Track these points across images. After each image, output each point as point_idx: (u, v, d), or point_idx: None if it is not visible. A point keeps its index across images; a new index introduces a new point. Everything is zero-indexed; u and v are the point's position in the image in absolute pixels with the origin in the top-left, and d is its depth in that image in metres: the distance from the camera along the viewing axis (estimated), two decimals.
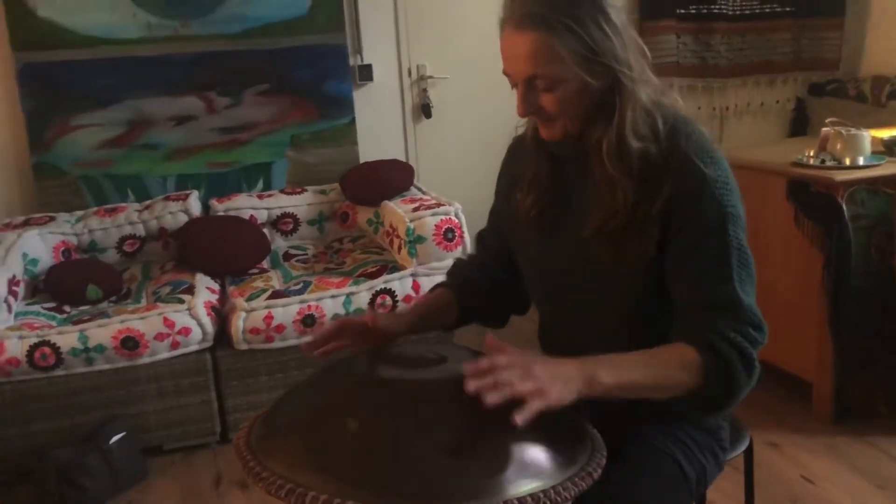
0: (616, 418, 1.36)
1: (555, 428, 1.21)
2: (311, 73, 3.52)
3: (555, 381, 1.09)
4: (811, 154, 2.64)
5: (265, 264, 3.16)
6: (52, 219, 3.17)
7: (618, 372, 1.15)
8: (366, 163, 3.50)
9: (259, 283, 2.90)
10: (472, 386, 1.07)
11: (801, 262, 2.66)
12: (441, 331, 1.55)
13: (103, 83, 3.30)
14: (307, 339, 2.69)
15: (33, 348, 2.51)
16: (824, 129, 2.70)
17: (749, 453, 1.70)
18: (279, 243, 3.37)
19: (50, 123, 3.26)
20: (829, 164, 2.58)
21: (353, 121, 3.60)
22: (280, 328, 2.69)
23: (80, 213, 3.24)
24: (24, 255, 2.91)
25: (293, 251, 3.29)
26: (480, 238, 1.62)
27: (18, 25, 3.17)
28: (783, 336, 2.78)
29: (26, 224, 3.10)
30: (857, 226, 2.50)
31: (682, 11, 4.04)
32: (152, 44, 3.32)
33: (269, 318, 2.68)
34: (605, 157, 1.25)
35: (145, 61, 3.32)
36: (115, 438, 2.49)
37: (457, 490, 1.06)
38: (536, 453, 1.14)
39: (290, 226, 3.39)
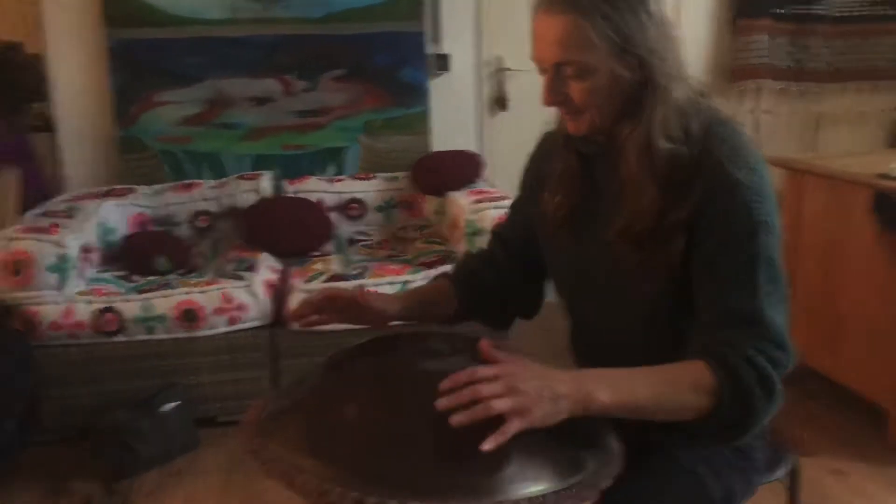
0: (643, 430, 1.30)
1: (565, 431, 1.16)
2: (389, 60, 3.53)
3: (541, 400, 1.00)
4: None
5: (329, 248, 3.18)
6: (131, 191, 3.29)
7: (619, 390, 1.06)
8: (436, 152, 3.49)
9: (319, 266, 2.93)
10: (442, 403, 0.98)
11: (881, 281, 2.49)
12: (438, 323, 1.48)
13: (187, 62, 3.39)
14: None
15: (99, 313, 2.60)
16: None
17: (794, 477, 1.60)
18: (345, 228, 3.39)
19: (136, 99, 3.38)
20: None
21: (427, 110, 3.59)
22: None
23: (158, 186, 3.36)
24: (102, 225, 3.03)
25: (358, 237, 3.31)
26: (497, 232, 1.56)
27: (111, 3, 3.29)
28: (859, 358, 2.62)
29: (107, 195, 3.23)
30: None
31: (780, 11, 3.85)
32: (236, 25, 3.40)
33: None
34: (630, 156, 1.18)
35: (228, 42, 3.40)
36: (169, 406, 2.56)
37: (450, 486, 1.02)
38: (540, 456, 1.10)
39: (358, 211, 3.41)
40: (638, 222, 1.19)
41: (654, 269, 1.20)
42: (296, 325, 1.36)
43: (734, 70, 3.88)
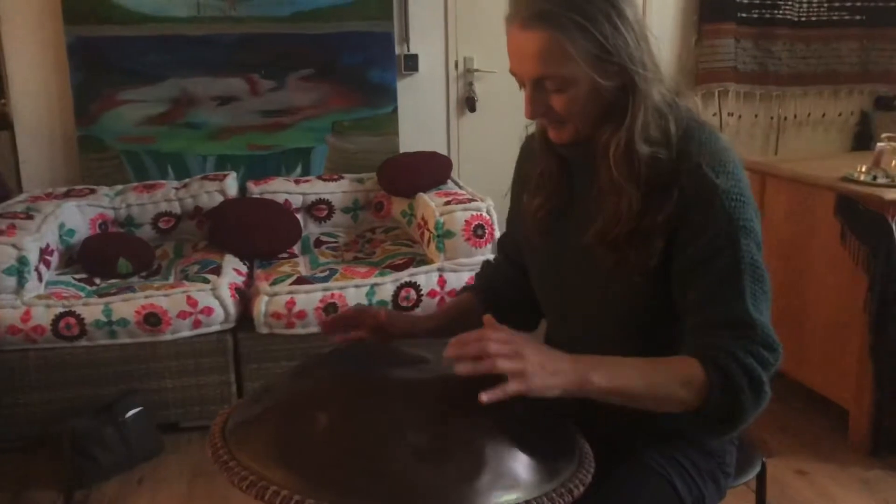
0: (612, 434, 1.30)
1: (539, 438, 1.16)
2: (357, 61, 3.50)
3: (542, 369, 1.03)
4: (863, 170, 2.50)
5: (295, 249, 3.15)
6: (92, 191, 3.22)
7: (614, 376, 1.09)
8: (404, 153, 3.47)
9: (286, 268, 2.89)
10: (451, 352, 1.03)
11: (844, 283, 2.53)
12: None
13: (150, 60, 3.33)
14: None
15: (59, 318, 2.54)
16: (879, 143, 2.56)
17: (761, 479, 1.61)
18: (312, 229, 3.36)
19: (96, 97, 3.31)
20: (881, 181, 2.44)
21: (395, 110, 3.57)
22: (301, 314, 2.68)
23: (119, 187, 3.29)
24: (62, 226, 2.96)
25: (325, 238, 3.28)
26: (501, 243, 1.57)
27: None
28: (821, 359, 2.66)
29: (67, 195, 3.15)
30: None
31: (744, 15, 3.90)
32: (200, 23, 3.34)
33: (290, 303, 2.67)
34: (612, 161, 1.18)
35: (193, 40, 3.35)
36: (131, 412, 2.51)
37: (425, 495, 1.01)
38: (515, 463, 1.09)
39: (325, 212, 3.38)
40: (616, 225, 1.19)
41: (628, 271, 1.20)
42: (329, 337, 1.35)
43: (699, 73, 3.92)
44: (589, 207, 1.25)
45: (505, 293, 1.49)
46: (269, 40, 3.41)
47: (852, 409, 2.56)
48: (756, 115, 4.07)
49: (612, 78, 1.16)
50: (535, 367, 1.03)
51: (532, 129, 1.42)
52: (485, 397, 0.99)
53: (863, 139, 4.18)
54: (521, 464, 1.09)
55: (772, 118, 4.10)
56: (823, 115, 4.17)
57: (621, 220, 1.18)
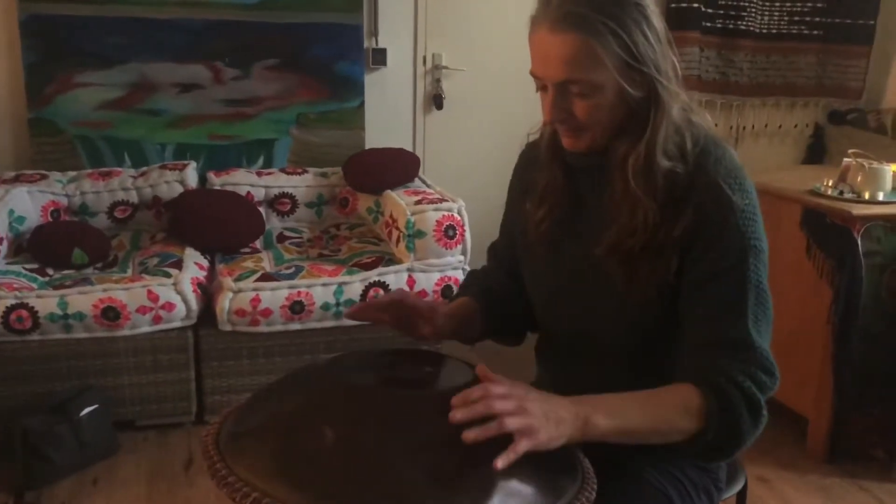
0: (609, 451, 1.28)
1: (543, 457, 1.13)
2: (324, 52, 3.43)
3: (547, 421, 1.00)
4: (829, 184, 2.56)
5: (258, 244, 3.07)
6: (43, 177, 3.08)
7: (615, 416, 1.06)
8: (371, 149, 3.42)
9: (249, 264, 2.81)
10: (458, 415, 0.98)
11: (808, 295, 2.58)
12: (465, 342, 1.43)
13: (109, 42, 3.20)
14: (295, 326, 2.66)
15: (9, 310, 2.42)
16: (846, 159, 2.62)
17: (742, 494, 1.63)
18: (274, 223, 3.28)
19: (51, 79, 3.16)
20: (847, 196, 2.49)
21: (362, 104, 3.51)
22: (266, 312, 2.61)
23: (73, 173, 3.15)
24: (11, 212, 2.82)
25: (288, 233, 3.20)
26: (493, 250, 1.54)
27: None
28: (782, 368, 2.67)
29: (17, 180, 3.01)
30: (870, 263, 2.42)
31: (708, 25, 3.95)
32: (164, 6, 3.22)
33: (256, 300, 2.60)
34: (630, 173, 1.16)
35: (155, 24, 3.22)
36: (86, 410, 2.41)
37: None
38: (523, 483, 1.07)
39: (288, 206, 3.30)
40: (630, 237, 1.18)
41: (640, 283, 1.19)
42: (348, 320, 1.30)
43: None
44: (598, 219, 1.23)
45: (499, 301, 1.45)
46: (234, 28, 3.31)
47: (812, 417, 2.62)
48: (716, 124, 4.12)
49: (638, 87, 1.15)
50: (540, 420, 0.99)
51: (533, 136, 1.40)
52: (500, 464, 0.95)
53: (816, 152, 4.28)
54: (529, 483, 1.07)
55: (731, 127, 4.17)
56: (780, 127, 4.26)
57: (636, 233, 1.17)
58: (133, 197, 3.11)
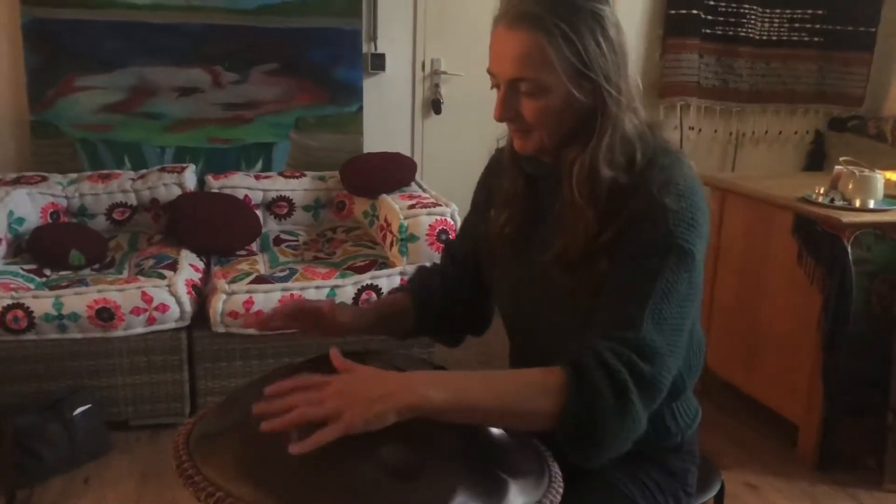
0: None
1: (510, 458, 1.15)
2: (323, 57, 3.45)
3: (359, 402, 0.96)
4: (821, 191, 2.56)
5: (254, 247, 3.10)
6: (44, 179, 3.12)
7: (453, 390, 1.02)
8: (368, 153, 3.44)
9: (244, 266, 2.84)
10: (258, 408, 0.99)
11: (799, 302, 2.58)
12: (393, 338, 1.46)
13: (110, 46, 3.24)
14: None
15: (6, 310, 2.46)
16: (837, 167, 2.62)
17: (720, 498, 1.63)
18: (272, 226, 3.31)
19: (52, 82, 3.20)
20: (838, 203, 2.49)
21: (360, 109, 3.53)
22: (259, 314, 2.63)
23: (73, 175, 3.19)
24: (10, 214, 2.86)
25: (285, 236, 3.23)
26: (448, 248, 1.54)
27: None
28: (773, 374, 2.71)
29: (17, 182, 3.05)
30: (860, 270, 2.42)
31: (708, 31, 3.96)
32: (163, 11, 3.26)
33: (249, 302, 2.62)
34: (574, 182, 1.17)
35: (155, 28, 3.26)
36: (79, 410, 2.43)
37: None
38: (487, 484, 1.08)
39: (285, 209, 3.33)
40: (572, 248, 1.18)
41: (584, 293, 1.18)
42: (249, 329, 1.30)
43: (662, 87, 3.97)
44: (551, 227, 1.24)
45: (439, 299, 1.46)
46: (233, 32, 3.34)
47: (801, 424, 2.62)
48: (716, 131, 4.13)
49: (586, 94, 1.16)
50: (350, 401, 0.96)
51: (503, 142, 1.41)
52: (294, 450, 0.94)
53: (816, 158, 4.29)
54: (493, 483, 1.08)
55: (731, 134, 4.18)
56: (780, 133, 4.26)
57: (577, 242, 1.18)
58: (132, 199, 3.14)
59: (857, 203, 2.47)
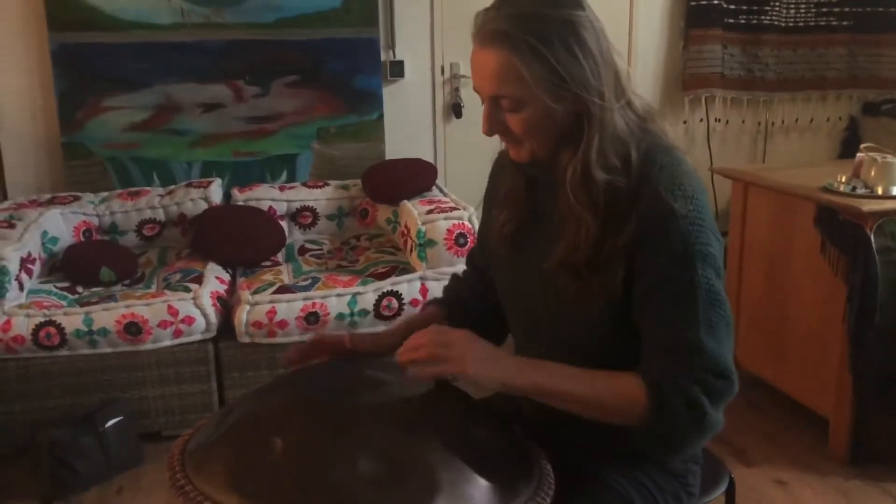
0: (574, 455, 1.30)
1: (497, 461, 1.16)
2: (342, 67, 3.50)
3: (478, 359, 1.14)
4: (843, 180, 2.50)
5: (279, 257, 3.15)
6: (76, 198, 3.21)
7: (551, 375, 1.17)
8: (389, 160, 3.47)
9: (268, 277, 2.89)
10: (403, 357, 1.17)
11: (824, 293, 2.53)
12: None
13: (134, 67, 3.33)
14: (309, 336, 2.71)
15: (39, 327, 2.54)
16: (858, 154, 2.56)
17: (730, 496, 1.61)
18: (296, 236, 3.36)
19: (81, 104, 3.30)
20: (860, 191, 2.44)
21: (381, 117, 3.56)
22: (283, 324, 2.68)
23: (104, 194, 3.28)
24: (45, 234, 2.96)
25: (309, 245, 3.27)
26: (471, 257, 1.57)
27: (55, 5, 3.21)
28: (801, 368, 2.66)
29: (51, 202, 3.15)
30: (885, 259, 2.36)
31: (731, 21, 3.90)
32: (184, 30, 3.34)
33: (272, 312, 2.67)
34: (569, 187, 1.18)
35: (177, 47, 3.34)
36: (111, 422, 2.50)
37: None
38: (470, 487, 1.10)
39: (309, 219, 3.38)
40: (576, 253, 1.19)
41: (591, 298, 1.20)
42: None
43: (685, 79, 3.92)
44: (551, 231, 1.24)
45: (472, 306, 1.49)
46: (253, 47, 3.41)
47: (832, 418, 2.56)
48: (743, 121, 4.07)
49: (567, 103, 1.16)
50: (469, 353, 1.14)
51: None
52: (411, 370, 1.14)
53: (851, 145, 4.17)
54: (476, 487, 1.10)
55: (759, 124, 4.10)
56: (811, 121, 4.18)
57: (580, 248, 1.18)
58: (160, 215, 3.22)
59: (880, 191, 2.42)
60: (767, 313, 2.82)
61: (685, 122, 3.98)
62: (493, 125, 1.21)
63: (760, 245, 2.83)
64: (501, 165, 1.40)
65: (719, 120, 4.00)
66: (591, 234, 1.17)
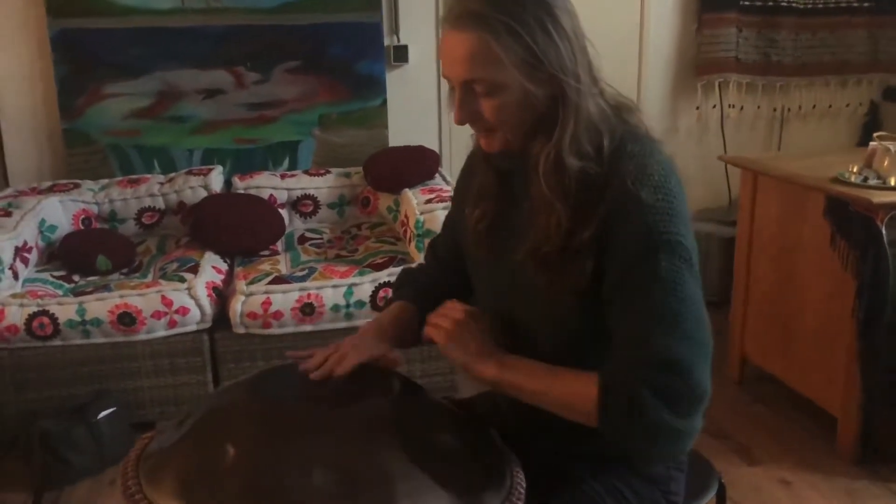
0: (550, 461, 1.25)
1: (464, 471, 1.11)
2: (344, 52, 3.44)
3: (463, 341, 1.20)
4: (854, 170, 2.41)
5: (278, 246, 3.11)
6: (76, 186, 3.19)
7: (514, 371, 1.18)
8: (391, 147, 3.41)
9: (265, 266, 2.85)
10: (433, 320, 1.25)
11: (833, 287, 2.44)
12: (406, 346, 1.41)
13: (135, 53, 3.29)
14: (307, 328, 2.68)
15: (32, 317, 2.52)
16: (871, 143, 2.46)
17: (721, 501, 1.55)
18: (297, 225, 3.32)
19: (81, 91, 3.28)
20: (872, 182, 2.34)
21: (384, 103, 3.50)
22: (278, 315, 2.64)
23: (104, 181, 3.26)
24: (42, 222, 2.94)
25: (309, 234, 3.23)
26: (433, 246, 1.52)
27: None
28: (809, 363, 2.58)
29: (51, 190, 3.13)
30: None
31: (746, 3, 3.77)
32: (184, 15, 3.29)
33: (267, 303, 2.63)
34: (541, 175, 1.13)
35: (177, 33, 3.30)
36: (104, 413, 2.48)
37: None
38: (432, 498, 1.05)
39: (310, 208, 3.33)
40: (545, 243, 1.14)
41: (561, 290, 1.14)
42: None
43: (699, 64, 3.81)
44: (525, 223, 1.19)
45: (439, 301, 1.40)
46: (254, 32, 3.35)
47: (840, 416, 2.48)
48: (758, 107, 3.95)
49: (543, 86, 1.11)
50: (458, 335, 1.20)
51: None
52: (428, 332, 1.25)
53: (871, 131, 4.01)
54: (437, 499, 1.05)
55: (774, 110, 3.98)
56: (830, 107, 4.04)
57: (550, 238, 1.13)
58: (160, 203, 3.19)
59: (893, 181, 2.32)
60: (775, 306, 2.73)
61: (698, 108, 3.87)
62: (466, 114, 1.15)
63: (769, 236, 2.74)
64: (472, 164, 1.36)
65: (733, 106, 3.89)
66: (562, 224, 1.12)
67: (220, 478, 1.03)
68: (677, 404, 1.03)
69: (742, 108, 3.91)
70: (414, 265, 1.56)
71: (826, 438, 2.54)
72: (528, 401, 1.16)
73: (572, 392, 1.11)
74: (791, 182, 2.59)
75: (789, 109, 4.00)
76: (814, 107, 4.03)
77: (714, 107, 3.87)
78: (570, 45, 1.12)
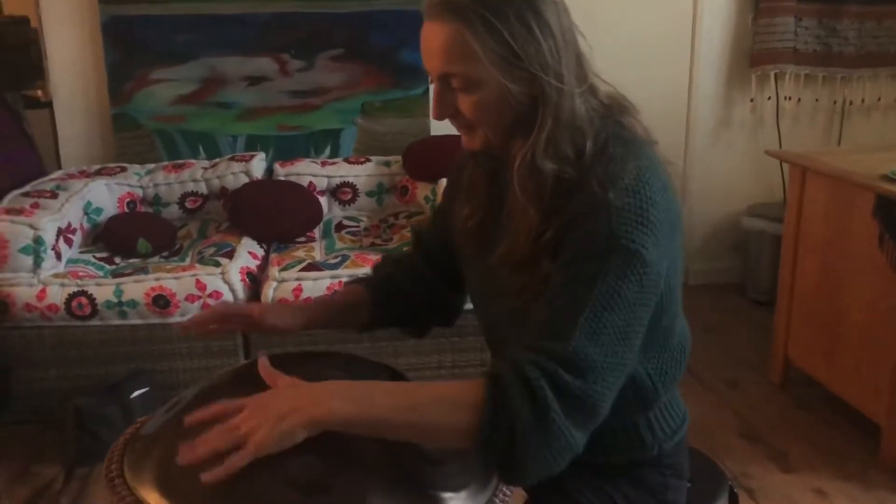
0: None
1: (444, 483, 1.08)
2: (388, 40, 3.42)
3: (263, 424, 0.94)
4: None
5: (315, 233, 3.13)
6: (123, 170, 3.27)
7: (359, 404, 0.97)
8: (430, 136, 3.39)
9: (300, 253, 2.87)
10: (183, 457, 0.98)
11: (881, 289, 2.32)
12: (353, 330, 1.39)
13: (181, 40, 3.34)
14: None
15: (71, 297, 2.59)
16: None
17: None
18: (336, 212, 3.33)
19: (130, 76, 3.34)
20: None
21: (426, 91, 3.48)
22: (308, 301, 2.65)
23: (150, 166, 3.33)
24: (88, 204, 3.02)
25: (347, 222, 3.24)
26: (417, 234, 1.46)
27: None
28: (854, 368, 2.47)
29: (99, 173, 3.21)
30: None
31: None
32: (230, 2, 3.33)
33: (298, 290, 2.65)
34: (515, 177, 1.08)
35: (223, 19, 3.33)
36: (136, 393, 2.54)
37: None
38: (408, 498, 1.03)
39: (349, 195, 3.34)
40: (517, 248, 1.10)
41: (530, 295, 1.09)
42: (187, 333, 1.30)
43: (754, 55, 3.67)
44: (507, 223, 1.15)
45: (403, 289, 1.39)
46: (298, 19, 3.37)
47: (884, 424, 2.37)
48: (817, 100, 3.79)
49: (522, 84, 1.06)
50: (259, 422, 0.94)
51: None
52: (206, 477, 0.93)
53: None
54: (416, 498, 1.03)
55: (835, 103, 3.82)
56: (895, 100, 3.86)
57: (520, 243, 1.09)
58: (202, 188, 3.24)
59: None
60: (820, 308, 2.62)
61: (752, 101, 3.74)
62: (443, 109, 1.11)
63: (815, 235, 2.63)
64: (464, 159, 1.31)
65: (789, 98, 3.74)
66: (532, 228, 1.07)
67: (195, 469, 1.02)
68: (573, 409, 0.95)
69: (799, 100, 3.76)
70: (396, 254, 1.52)
71: (868, 448, 2.43)
72: (384, 432, 0.98)
73: (457, 387, 1.00)
74: (839, 178, 2.48)
75: (851, 102, 3.83)
76: (879, 100, 3.85)
77: (769, 99, 3.73)
78: (554, 42, 1.05)
